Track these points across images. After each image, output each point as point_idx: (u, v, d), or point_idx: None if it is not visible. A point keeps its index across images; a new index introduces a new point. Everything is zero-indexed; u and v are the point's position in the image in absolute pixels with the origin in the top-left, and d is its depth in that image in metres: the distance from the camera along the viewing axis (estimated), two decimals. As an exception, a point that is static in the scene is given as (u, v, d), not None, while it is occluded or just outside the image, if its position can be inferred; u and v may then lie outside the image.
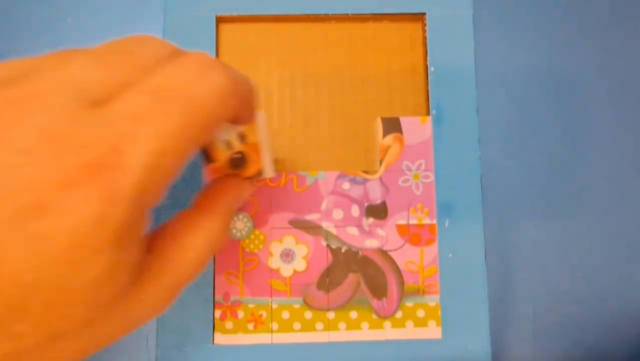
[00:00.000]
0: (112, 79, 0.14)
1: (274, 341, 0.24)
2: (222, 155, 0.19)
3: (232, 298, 0.24)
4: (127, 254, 0.14)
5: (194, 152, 0.14)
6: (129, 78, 0.14)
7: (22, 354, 0.13)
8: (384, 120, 0.25)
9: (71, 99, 0.13)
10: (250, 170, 0.20)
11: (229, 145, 0.19)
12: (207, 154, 0.19)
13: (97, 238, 0.12)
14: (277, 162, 0.26)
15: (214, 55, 0.26)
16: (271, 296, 0.25)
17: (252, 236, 0.25)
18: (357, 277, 0.25)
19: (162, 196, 0.14)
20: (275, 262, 0.25)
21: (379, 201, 0.25)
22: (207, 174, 0.20)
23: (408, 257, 0.25)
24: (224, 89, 0.15)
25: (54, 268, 0.12)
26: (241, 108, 0.16)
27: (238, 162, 0.20)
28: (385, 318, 0.25)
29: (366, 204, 0.25)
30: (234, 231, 0.25)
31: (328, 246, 0.25)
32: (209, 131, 0.15)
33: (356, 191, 0.25)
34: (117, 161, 0.13)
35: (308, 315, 0.24)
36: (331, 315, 0.25)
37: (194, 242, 0.17)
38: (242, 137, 0.19)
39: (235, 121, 0.17)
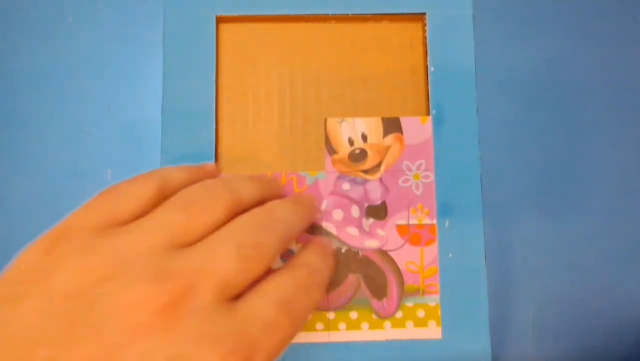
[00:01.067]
0: (250, 275, 0.16)
1: (274, 341, 0.24)
2: (344, 149, 0.24)
3: (232, 298, 0.24)
4: None
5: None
6: (259, 275, 0.16)
7: None
8: (384, 120, 0.25)
9: (219, 297, 0.15)
10: (366, 165, 0.24)
11: (351, 141, 0.24)
12: (331, 147, 0.24)
13: None
14: (276, 162, 0.26)
15: (213, 55, 0.26)
16: (271, 296, 0.24)
17: (252, 236, 0.25)
18: (357, 277, 0.25)
19: None
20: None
21: (379, 201, 0.25)
22: (330, 164, 0.25)
23: (408, 257, 0.25)
24: (316, 304, 0.18)
25: None
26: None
27: (357, 156, 0.24)
28: (385, 318, 0.25)
29: (366, 205, 0.25)
30: (234, 231, 0.25)
31: (328, 246, 0.25)
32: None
33: (356, 191, 0.25)
34: None
35: (308, 315, 0.24)
36: (331, 315, 0.25)
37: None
38: (364, 138, 0.23)
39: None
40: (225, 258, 0.15)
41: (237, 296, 0.16)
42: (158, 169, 0.19)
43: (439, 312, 0.25)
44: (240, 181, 0.19)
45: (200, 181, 0.18)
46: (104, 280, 0.14)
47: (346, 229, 0.25)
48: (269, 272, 0.18)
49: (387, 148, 0.25)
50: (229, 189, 0.18)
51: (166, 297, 0.14)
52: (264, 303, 0.16)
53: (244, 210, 0.18)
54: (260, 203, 0.19)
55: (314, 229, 0.25)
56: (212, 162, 0.24)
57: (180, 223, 0.16)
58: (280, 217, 0.18)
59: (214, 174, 0.21)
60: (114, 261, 0.15)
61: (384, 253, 0.25)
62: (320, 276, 0.19)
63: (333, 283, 0.25)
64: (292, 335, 0.16)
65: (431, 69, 0.26)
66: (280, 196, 0.22)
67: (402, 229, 0.25)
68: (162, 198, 0.18)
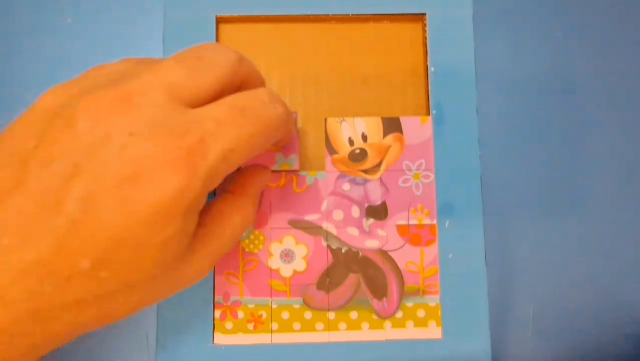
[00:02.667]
0: (195, 81, 0.17)
1: (274, 342, 0.24)
2: (344, 149, 0.24)
3: (232, 298, 0.24)
4: (190, 223, 0.17)
5: (251, 156, 0.18)
6: (208, 83, 0.18)
7: (101, 297, 0.16)
8: (384, 120, 0.25)
9: (168, 97, 0.17)
10: (366, 165, 0.25)
11: (351, 141, 0.24)
12: (331, 147, 0.25)
13: (174, 207, 0.16)
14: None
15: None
16: (271, 297, 0.25)
17: (252, 236, 0.25)
18: (357, 277, 0.25)
19: (220, 182, 0.18)
20: (275, 262, 0.25)
21: (378, 202, 0.25)
22: (330, 164, 0.25)
23: (408, 257, 0.25)
24: (283, 117, 0.19)
25: (139, 227, 0.16)
26: (287, 133, 0.21)
27: (357, 156, 0.24)
28: (385, 318, 0.25)
29: (366, 205, 0.25)
30: (234, 231, 0.25)
31: (328, 246, 0.25)
32: (267, 145, 0.19)
33: (356, 192, 0.25)
34: (202, 150, 0.16)
35: (308, 315, 0.24)
36: (331, 315, 0.25)
37: (232, 219, 0.20)
38: (364, 138, 0.23)
39: (282, 138, 0.21)
40: (168, 68, 0.17)
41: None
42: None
43: (439, 312, 0.25)
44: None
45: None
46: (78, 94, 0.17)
47: (346, 229, 0.25)
48: None
49: (387, 148, 0.25)
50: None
51: (121, 93, 0.16)
52: (217, 105, 0.18)
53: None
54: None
55: (313, 229, 0.25)
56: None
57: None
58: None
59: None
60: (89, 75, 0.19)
61: (384, 253, 0.25)
62: (282, 101, 0.20)
63: (333, 283, 0.25)
64: (253, 136, 0.18)
65: (431, 69, 0.26)
66: (290, 133, 0.23)
67: (402, 229, 0.25)
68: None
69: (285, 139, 0.23)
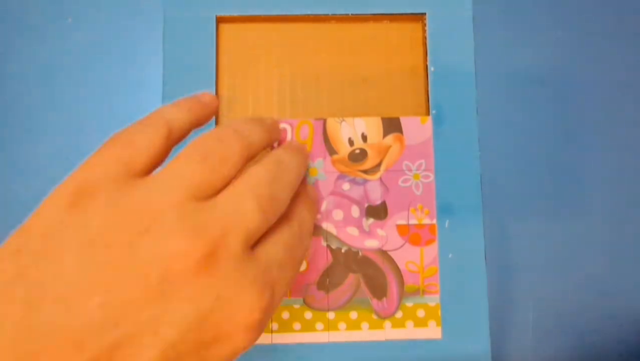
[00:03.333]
0: (266, 224, 0.18)
1: (273, 341, 0.24)
2: (344, 149, 0.25)
3: (232, 298, 0.24)
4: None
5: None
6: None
7: None
8: (384, 120, 0.25)
9: (245, 246, 0.17)
10: (366, 165, 0.25)
11: (351, 141, 0.24)
12: (331, 147, 0.25)
13: (253, 343, 0.17)
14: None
15: (213, 55, 0.26)
16: (271, 296, 0.25)
17: (252, 236, 0.25)
18: (357, 277, 0.25)
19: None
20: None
21: (378, 201, 0.25)
22: (330, 164, 0.25)
23: (408, 257, 0.25)
24: (308, 249, 0.21)
25: None
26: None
27: (357, 156, 0.25)
28: (385, 318, 0.25)
29: (366, 205, 0.25)
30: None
31: (328, 246, 0.25)
32: None
33: (356, 192, 0.25)
34: (272, 303, 0.17)
35: (308, 315, 0.24)
36: (331, 315, 0.25)
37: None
38: (364, 138, 0.24)
39: None
40: (249, 211, 0.17)
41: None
42: (158, 110, 0.19)
43: (439, 312, 0.25)
44: (249, 127, 0.20)
45: (209, 131, 0.19)
46: (141, 233, 0.15)
47: (346, 229, 0.25)
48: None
49: (387, 148, 0.25)
50: (241, 137, 0.19)
51: (204, 247, 0.16)
52: (277, 248, 0.18)
53: (255, 155, 0.20)
54: (267, 146, 0.21)
55: (314, 229, 0.25)
56: (208, 91, 0.23)
57: (201, 175, 0.17)
58: (288, 167, 0.20)
59: (213, 107, 0.22)
60: (147, 214, 0.16)
61: (384, 253, 0.25)
62: (309, 226, 0.21)
63: (333, 283, 0.25)
64: (297, 273, 0.19)
65: (431, 69, 0.26)
66: (280, 139, 0.24)
67: (402, 229, 0.25)
68: (170, 143, 0.19)
69: None
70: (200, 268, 0.15)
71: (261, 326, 0.17)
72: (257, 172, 0.19)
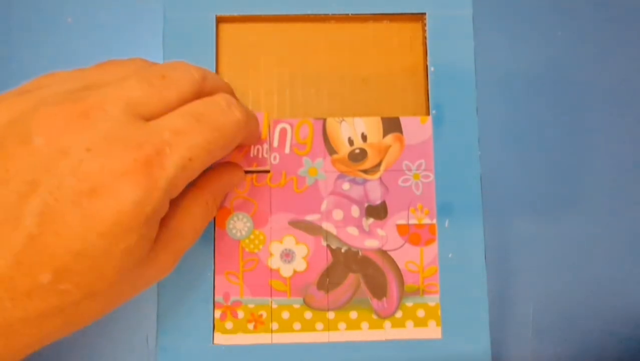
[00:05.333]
0: (155, 98, 0.18)
1: (274, 341, 0.24)
2: (344, 149, 0.25)
3: (232, 298, 0.24)
4: (151, 231, 0.18)
5: (211, 162, 0.19)
6: (168, 100, 0.18)
7: (64, 308, 0.16)
8: (384, 120, 0.25)
9: (126, 112, 0.17)
10: (366, 165, 0.25)
11: (351, 141, 0.25)
12: (331, 147, 0.25)
13: (134, 218, 0.16)
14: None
15: (213, 55, 0.26)
16: (271, 296, 0.25)
17: (252, 236, 0.25)
18: (357, 277, 0.25)
19: (181, 190, 0.18)
20: (275, 262, 0.25)
21: (378, 201, 0.25)
22: (330, 164, 0.25)
23: (408, 257, 0.25)
24: (241, 123, 0.19)
25: (100, 239, 0.16)
26: (249, 136, 0.22)
27: (357, 156, 0.25)
28: (385, 318, 0.25)
29: (366, 204, 0.25)
30: (234, 231, 0.25)
31: (328, 246, 0.25)
32: (227, 150, 0.20)
33: (356, 192, 0.25)
34: (160, 160, 0.17)
35: (308, 315, 0.24)
36: (331, 315, 0.25)
37: (193, 213, 0.21)
38: (364, 138, 0.24)
39: (244, 142, 0.22)
40: (133, 84, 0.18)
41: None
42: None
43: (439, 312, 0.25)
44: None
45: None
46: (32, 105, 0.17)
47: (346, 229, 0.25)
48: None
49: (387, 148, 0.25)
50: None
51: (78, 108, 0.16)
52: (173, 115, 0.18)
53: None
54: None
55: (313, 229, 0.25)
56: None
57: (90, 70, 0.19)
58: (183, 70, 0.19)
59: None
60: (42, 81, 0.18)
61: (384, 253, 0.25)
62: (240, 105, 0.20)
63: (333, 282, 0.25)
64: (211, 144, 0.18)
65: (431, 69, 0.26)
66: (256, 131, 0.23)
67: (402, 229, 0.25)
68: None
69: (248, 142, 0.24)
70: (70, 125, 0.16)
71: (146, 177, 0.16)
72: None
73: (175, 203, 0.20)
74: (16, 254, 0.15)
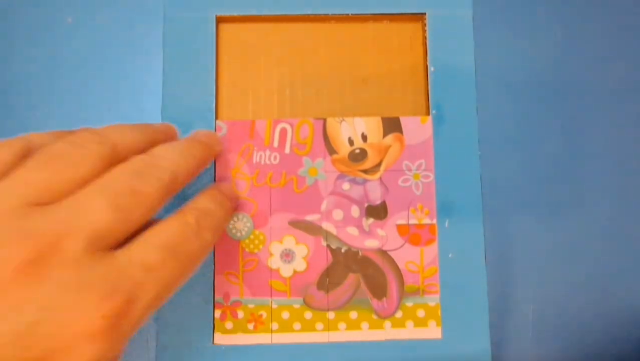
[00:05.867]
0: (123, 224, 0.16)
1: (273, 341, 0.24)
2: (344, 149, 0.25)
3: (232, 298, 0.24)
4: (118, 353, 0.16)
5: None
6: (139, 224, 0.16)
7: None
8: (384, 120, 0.25)
9: (86, 247, 0.15)
10: (366, 165, 0.25)
11: (351, 141, 0.25)
12: (331, 147, 0.25)
13: (108, 352, 0.14)
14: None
15: (213, 55, 0.26)
16: (271, 296, 0.25)
17: (252, 236, 0.25)
18: (357, 277, 0.25)
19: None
20: (275, 262, 0.25)
21: (378, 201, 0.25)
22: (330, 164, 0.25)
23: (408, 257, 0.25)
24: (210, 246, 0.18)
25: None
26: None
27: (357, 156, 0.25)
28: (385, 318, 0.25)
29: (366, 204, 0.25)
30: (234, 231, 0.25)
31: (328, 246, 0.25)
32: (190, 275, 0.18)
33: (356, 191, 0.25)
34: (130, 310, 0.15)
35: (308, 315, 0.24)
36: (331, 315, 0.25)
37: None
38: (364, 138, 0.24)
39: None
40: (95, 209, 0.15)
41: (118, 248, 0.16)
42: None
43: (439, 312, 0.25)
44: (116, 130, 0.18)
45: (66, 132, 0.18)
46: None
47: (346, 229, 0.25)
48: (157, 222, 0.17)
49: (387, 148, 0.25)
50: (99, 140, 0.17)
51: (28, 254, 0.14)
52: (145, 247, 0.16)
53: (123, 157, 0.17)
54: (141, 148, 0.18)
55: (313, 229, 0.25)
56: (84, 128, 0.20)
57: (42, 180, 0.15)
58: (161, 162, 0.17)
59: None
60: None
61: (384, 253, 0.25)
62: (212, 220, 0.19)
63: (333, 282, 0.25)
64: (180, 277, 0.17)
65: (431, 69, 0.26)
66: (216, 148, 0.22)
67: (402, 229, 0.25)
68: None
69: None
70: (19, 277, 0.13)
71: (113, 334, 0.14)
72: (117, 169, 0.17)
73: None
74: None
